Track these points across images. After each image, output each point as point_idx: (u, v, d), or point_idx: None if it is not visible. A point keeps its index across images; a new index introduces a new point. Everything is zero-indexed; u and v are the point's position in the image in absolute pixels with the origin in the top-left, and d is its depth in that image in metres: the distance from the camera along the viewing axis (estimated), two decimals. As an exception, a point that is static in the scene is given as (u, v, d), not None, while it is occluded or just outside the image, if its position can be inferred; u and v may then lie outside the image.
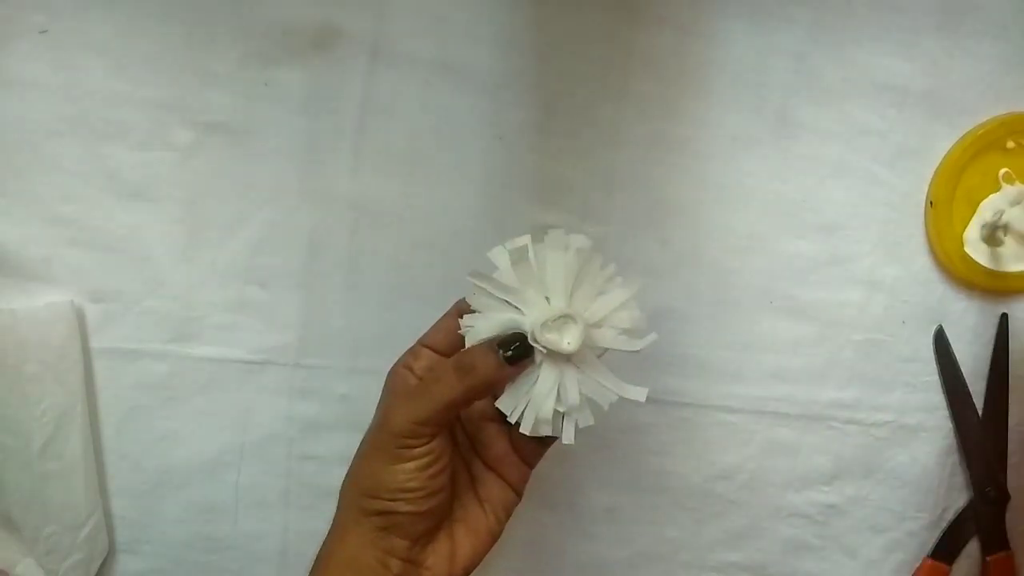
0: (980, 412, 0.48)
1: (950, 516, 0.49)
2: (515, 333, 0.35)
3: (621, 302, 0.36)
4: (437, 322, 0.40)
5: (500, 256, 0.37)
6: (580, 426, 0.37)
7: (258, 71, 0.45)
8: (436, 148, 0.46)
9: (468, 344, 0.37)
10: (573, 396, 0.36)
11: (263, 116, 0.45)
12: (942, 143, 0.47)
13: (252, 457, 0.47)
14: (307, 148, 0.45)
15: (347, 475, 0.38)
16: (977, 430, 0.48)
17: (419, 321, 0.46)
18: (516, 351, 0.35)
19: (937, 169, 0.47)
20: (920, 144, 0.47)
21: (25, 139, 0.44)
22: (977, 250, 0.47)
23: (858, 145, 0.47)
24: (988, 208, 0.47)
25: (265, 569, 0.48)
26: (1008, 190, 0.47)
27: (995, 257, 0.48)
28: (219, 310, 0.46)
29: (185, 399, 0.46)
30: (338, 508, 0.38)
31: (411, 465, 0.35)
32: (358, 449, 0.38)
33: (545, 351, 0.35)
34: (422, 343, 0.39)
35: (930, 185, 0.47)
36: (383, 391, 0.39)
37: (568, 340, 0.35)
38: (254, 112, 0.45)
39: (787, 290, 0.48)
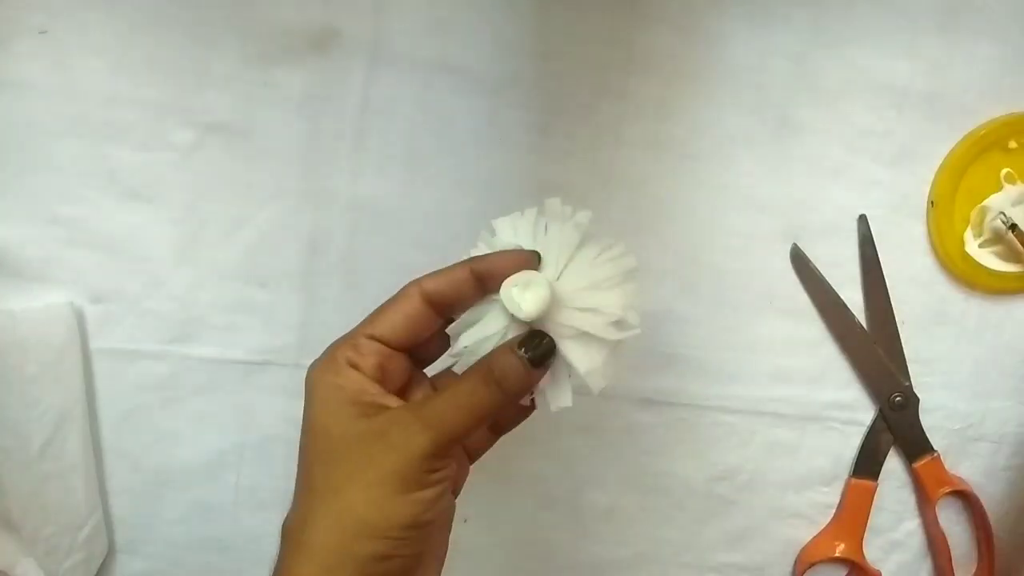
0: (864, 323, 0.48)
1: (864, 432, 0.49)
2: (536, 331, 0.32)
3: (612, 284, 0.33)
4: (387, 307, 0.33)
5: (502, 225, 0.35)
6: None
7: (258, 71, 0.45)
8: (436, 148, 0.46)
9: (459, 344, 0.33)
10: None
11: (263, 116, 0.45)
12: (942, 144, 0.47)
13: (252, 458, 0.47)
14: (307, 148, 0.45)
15: (307, 515, 0.30)
16: (863, 337, 0.48)
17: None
18: (539, 350, 0.31)
19: (939, 168, 0.47)
20: (920, 145, 0.47)
21: (25, 139, 0.44)
22: (978, 250, 0.47)
23: (858, 146, 0.47)
24: (989, 208, 0.47)
25: (265, 569, 0.48)
26: (1010, 190, 0.47)
27: (996, 257, 0.48)
28: (219, 310, 0.46)
29: (185, 399, 0.46)
30: (288, 557, 0.31)
31: (431, 493, 0.30)
32: (308, 482, 0.31)
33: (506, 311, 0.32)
34: (367, 334, 0.32)
35: (931, 184, 0.47)
36: (315, 397, 0.32)
37: (526, 304, 0.31)
38: (254, 112, 0.45)
39: (787, 290, 0.48)
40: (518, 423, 0.36)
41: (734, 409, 0.48)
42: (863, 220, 0.47)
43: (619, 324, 0.33)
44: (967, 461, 0.50)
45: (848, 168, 0.47)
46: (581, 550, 0.49)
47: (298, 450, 0.32)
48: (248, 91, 0.45)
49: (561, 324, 0.32)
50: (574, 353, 0.32)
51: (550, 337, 0.32)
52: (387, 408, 0.31)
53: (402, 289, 0.33)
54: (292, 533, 0.31)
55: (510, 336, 0.32)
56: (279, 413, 0.47)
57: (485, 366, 0.31)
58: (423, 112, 0.46)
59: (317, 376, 0.32)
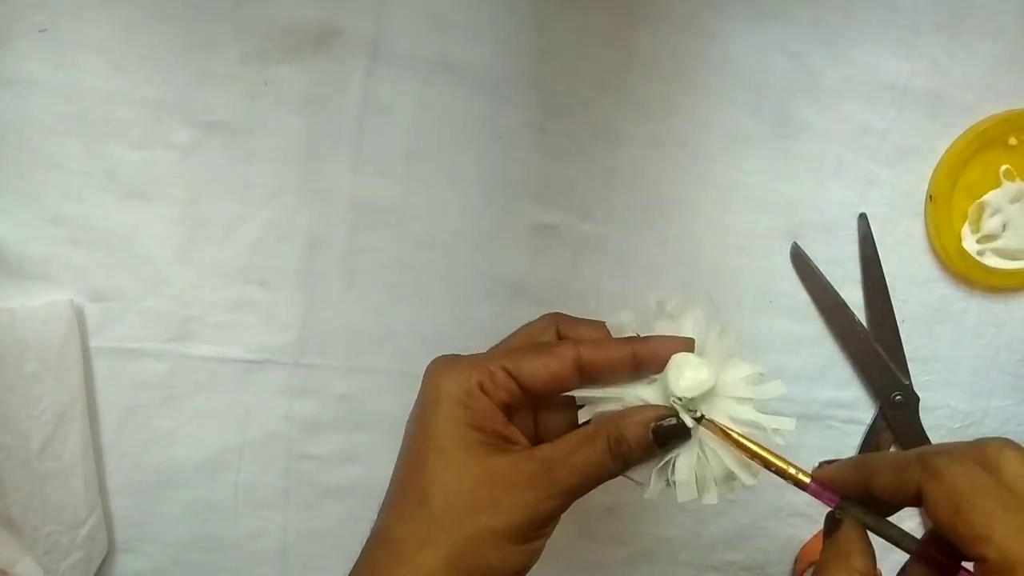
0: (865, 321, 0.48)
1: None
2: (669, 408, 0.32)
3: (750, 373, 0.34)
4: (535, 353, 0.33)
5: (623, 320, 0.34)
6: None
7: (258, 71, 0.45)
8: (436, 148, 0.46)
9: (588, 415, 0.33)
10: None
11: (263, 116, 0.45)
12: (942, 142, 0.47)
13: (251, 457, 0.47)
14: (307, 148, 0.45)
15: (427, 538, 0.30)
16: (863, 336, 0.48)
17: (419, 321, 0.47)
18: (669, 429, 0.31)
19: (938, 164, 0.47)
20: (920, 144, 0.47)
21: (25, 138, 0.44)
22: (975, 246, 0.47)
23: (858, 145, 0.47)
24: (988, 204, 0.47)
25: (264, 569, 0.48)
26: (1008, 186, 0.47)
27: (992, 253, 0.48)
28: (218, 309, 0.46)
29: (184, 398, 0.46)
30: (395, 570, 0.31)
31: (542, 543, 0.32)
32: (425, 502, 0.31)
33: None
34: (507, 368, 0.32)
35: (931, 179, 0.47)
36: (439, 409, 0.32)
37: (690, 383, 0.31)
38: (254, 112, 0.45)
39: (787, 289, 0.48)
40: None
41: (734, 408, 0.48)
42: (863, 219, 0.47)
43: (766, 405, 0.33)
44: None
45: (848, 167, 0.47)
46: (581, 549, 0.49)
47: (408, 448, 0.33)
48: (248, 90, 0.45)
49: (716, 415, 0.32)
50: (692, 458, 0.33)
51: (681, 421, 0.32)
52: (512, 445, 0.32)
53: (559, 346, 0.33)
54: (404, 547, 0.31)
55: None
56: (279, 412, 0.47)
57: (614, 438, 0.31)
58: (423, 111, 0.46)
59: (446, 385, 0.32)
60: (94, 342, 0.45)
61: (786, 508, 0.49)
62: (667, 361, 0.32)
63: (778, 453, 0.33)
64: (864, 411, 0.49)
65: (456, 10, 0.45)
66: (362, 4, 0.44)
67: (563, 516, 0.48)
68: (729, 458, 0.33)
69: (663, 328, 0.34)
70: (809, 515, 0.50)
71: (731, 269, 0.48)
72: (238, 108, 0.45)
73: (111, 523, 0.47)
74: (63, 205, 0.44)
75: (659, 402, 0.33)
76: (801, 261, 0.47)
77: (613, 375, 0.33)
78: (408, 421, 0.34)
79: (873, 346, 0.48)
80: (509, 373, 0.32)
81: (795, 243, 0.47)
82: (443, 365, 0.33)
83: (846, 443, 0.49)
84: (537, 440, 0.34)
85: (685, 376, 0.32)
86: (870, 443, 0.49)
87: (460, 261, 0.47)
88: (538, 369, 0.32)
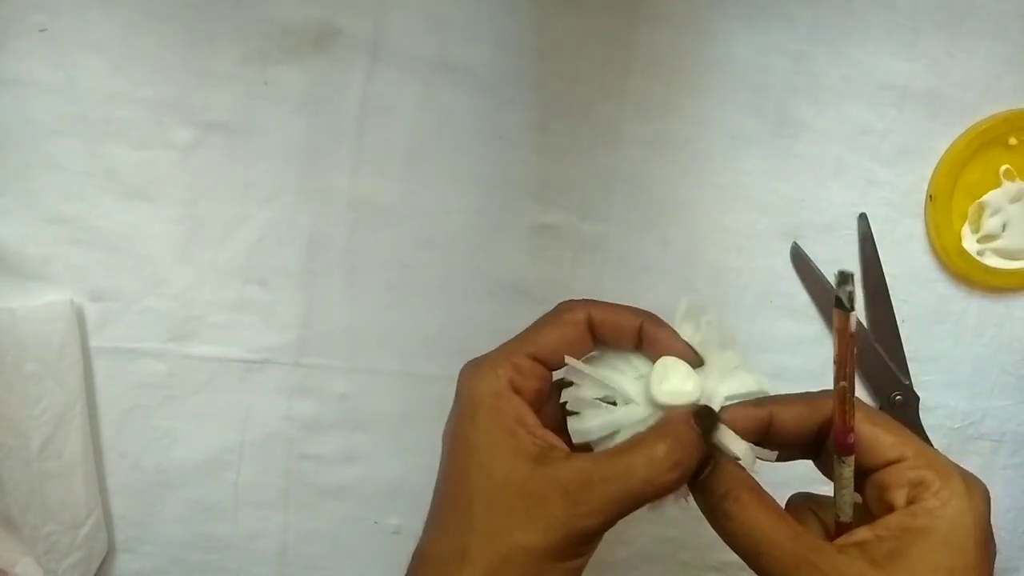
0: (865, 321, 0.48)
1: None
2: (706, 406, 0.31)
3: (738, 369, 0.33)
4: (549, 326, 0.32)
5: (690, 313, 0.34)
6: None
7: (258, 71, 0.45)
8: (436, 148, 0.46)
9: (581, 421, 0.32)
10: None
11: (263, 116, 0.45)
12: (942, 142, 0.47)
13: (251, 456, 0.47)
14: (307, 148, 0.45)
15: (466, 553, 0.30)
16: (863, 336, 0.48)
17: (419, 321, 0.47)
18: (710, 420, 0.30)
19: (938, 164, 0.47)
20: (920, 144, 0.47)
21: (25, 138, 0.44)
22: (975, 246, 0.47)
23: (858, 145, 0.47)
24: (988, 204, 0.47)
25: (264, 569, 0.48)
26: (1008, 186, 0.47)
27: (992, 253, 0.48)
28: (218, 309, 0.46)
29: (184, 398, 0.46)
30: None
31: (584, 561, 0.30)
32: (466, 515, 0.30)
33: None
34: (531, 354, 0.32)
35: (931, 179, 0.47)
36: (476, 418, 0.31)
37: (672, 389, 0.31)
38: (254, 112, 0.45)
39: (787, 290, 0.48)
40: None
41: (734, 408, 0.48)
42: (863, 218, 0.47)
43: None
44: (967, 460, 0.49)
45: (848, 166, 0.47)
46: (581, 549, 0.49)
47: (448, 461, 0.32)
48: (248, 90, 0.45)
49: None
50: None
51: (713, 411, 0.31)
52: (549, 448, 0.30)
53: (568, 309, 0.32)
54: (446, 563, 0.30)
55: (641, 421, 0.32)
56: (279, 412, 0.47)
57: (667, 445, 0.30)
58: (423, 111, 0.46)
59: (479, 393, 0.31)
60: (94, 342, 0.45)
61: (786, 508, 0.49)
62: (669, 351, 0.32)
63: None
64: (864, 411, 0.49)
65: (456, 10, 0.45)
66: (362, 4, 0.44)
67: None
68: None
69: (681, 329, 0.33)
70: (809, 515, 0.50)
71: (731, 269, 0.48)
72: (238, 108, 0.45)
73: (111, 523, 0.47)
74: (63, 205, 0.44)
75: (641, 400, 0.32)
76: (801, 261, 0.47)
77: (618, 343, 0.33)
78: (443, 433, 0.33)
79: (873, 346, 0.48)
80: (533, 358, 0.32)
81: (795, 243, 0.47)
82: (472, 370, 0.32)
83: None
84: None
85: (670, 381, 0.31)
86: (870, 443, 0.48)
87: (460, 261, 0.47)
88: (556, 340, 0.32)
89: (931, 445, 0.49)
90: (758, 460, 0.32)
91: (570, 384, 0.34)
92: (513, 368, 0.31)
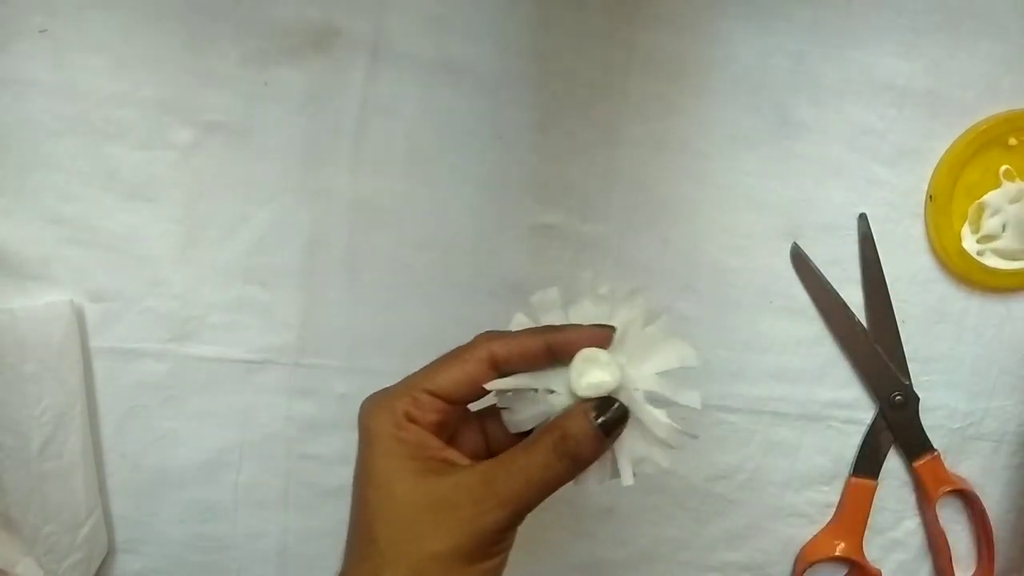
0: (865, 322, 0.48)
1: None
2: (609, 397, 0.31)
3: (670, 364, 0.33)
4: (450, 364, 0.33)
5: (549, 297, 0.34)
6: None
7: (258, 71, 0.45)
8: (436, 148, 0.46)
9: (513, 414, 0.33)
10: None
11: (263, 116, 0.45)
12: (942, 142, 0.47)
13: (252, 457, 0.47)
14: (307, 148, 0.45)
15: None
16: (863, 336, 0.48)
17: (419, 321, 0.47)
18: (613, 415, 0.31)
19: (938, 164, 0.47)
20: (920, 144, 0.47)
21: (25, 138, 0.44)
22: (975, 246, 0.47)
23: (858, 145, 0.47)
24: (988, 204, 0.47)
25: (264, 569, 0.48)
26: (1008, 187, 0.47)
27: (992, 254, 0.48)
28: (219, 310, 0.46)
29: (185, 398, 0.46)
30: None
31: (497, 561, 0.31)
32: (371, 540, 0.31)
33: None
34: (428, 390, 0.32)
35: (931, 179, 0.47)
36: (375, 449, 0.32)
37: (594, 384, 0.31)
38: (254, 112, 0.45)
39: (787, 290, 0.48)
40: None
41: (734, 408, 0.48)
42: (863, 219, 0.48)
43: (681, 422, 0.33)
44: (967, 460, 0.50)
45: (848, 167, 0.47)
46: (581, 550, 0.49)
47: (353, 495, 0.32)
48: (248, 90, 0.45)
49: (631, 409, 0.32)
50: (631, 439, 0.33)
51: (621, 404, 0.31)
52: (451, 465, 0.32)
53: (470, 348, 0.33)
54: None
55: (562, 398, 0.32)
56: (279, 412, 0.47)
57: (558, 435, 0.31)
58: (423, 111, 0.46)
59: (376, 425, 0.32)
60: (94, 342, 0.45)
61: (786, 508, 0.49)
62: (583, 347, 0.32)
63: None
64: (864, 411, 0.49)
65: (456, 10, 0.45)
66: (362, 4, 0.44)
67: (563, 516, 0.49)
68: (651, 435, 0.33)
69: (589, 308, 0.34)
70: (809, 515, 0.50)
71: (731, 269, 0.48)
72: (238, 108, 0.45)
73: (111, 523, 0.47)
74: (63, 205, 0.44)
75: (565, 391, 0.32)
76: (801, 261, 0.47)
77: (530, 367, 0.33)
78: (354, 470, 0.33)
79: (873, 346, 0.48)
80: (432, 393, 0.32)
81: (795, 243, 0.47)
82: (370, 405, 0.33)
83: (846, 443, 0.49)
84: (492, 456, 0.33)
85: (588, 375, 0.31)
86: (870, 443, 0.49)
87: (460, 261, 0.47)
88: (457, 377, 0.32)
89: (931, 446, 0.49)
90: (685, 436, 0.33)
91: (504, 401, 0.34)
92: (411, 402, 0.32)
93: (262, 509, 0.48)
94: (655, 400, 0.33)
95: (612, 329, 0.33)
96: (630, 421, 0.32)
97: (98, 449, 0.46)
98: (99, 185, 0.44)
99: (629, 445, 0.33)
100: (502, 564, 0.31)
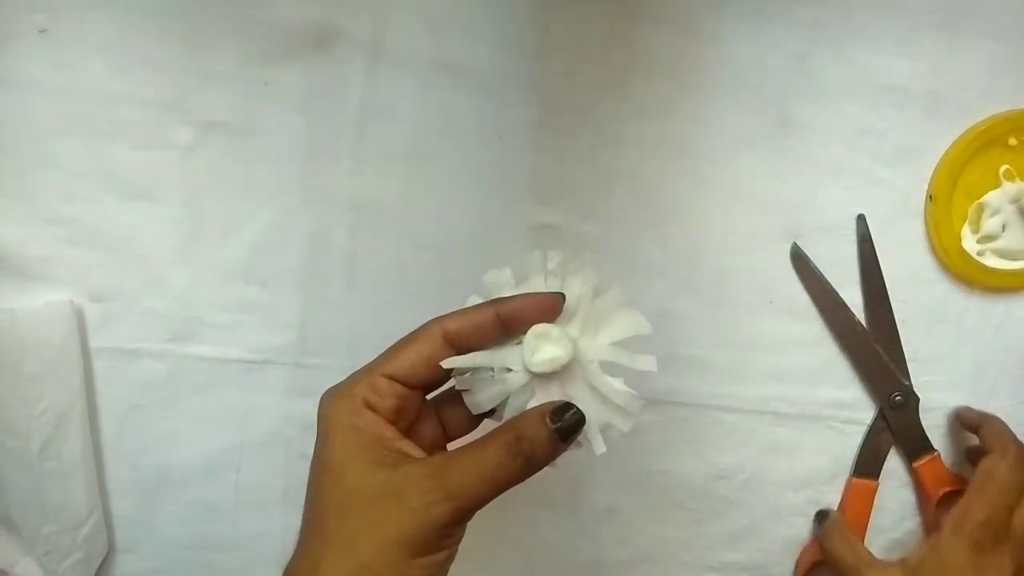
0: (864, 322, 0.48)
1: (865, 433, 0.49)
2: (566, 403, 0.32)
3: (624, 333, 0.34)
4: (406, 346, 0.33)
5: (502, 276, 0.35)
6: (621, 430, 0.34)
7: (258, 71, 0.45)
8: (436, 148, 0.46)
9: (473, 395, 0.33)
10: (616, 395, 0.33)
11: (263, 116, 0.45)
12: (942, 143, 0.47)
13: (252, 457, 0.47)
14: (307, 148, 0.45)
15: (318, 564, 0.30)
16: (863, 337, 0.48)
17: (419, 321, 0.46)
18: (568, 423, 0.31)
19: (938, 164, 0.47)
20: (920, 144, 0.47)
21: (25, 138, 0.44)
22: (975, 246, 0.47)
23: (858, 145, 0.47)
24: (987, 204, 0.47)
25: (265, 569, 0.48)
26: (1008, 187, 0.47)
27: (992, 254, 0.48)
28: (219, 310, 0.46)
29: (184, 399, 0.46)
30: None
31: (443, 555, 0.31)
32: (320, 528, 0.31)
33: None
34: (386, 373, 0.32)
35: (930, 180, 0.47)
36: (331, 437, 0.32)
37: (546, 359, 0.32)
38: (254, 112, 0.45)
39: (787, 290, 0.48)
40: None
41: (734, 408, 0.48)
42: (862, 219, 0.48)
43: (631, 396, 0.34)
44: (967, 460, 0.50)
45: (848, 167, 0.47)
46: (581, 550, 0.49)
47: (308, 484, 0.32)
48: (248, 90, 0.45)
49: (583, 380, 0.33)
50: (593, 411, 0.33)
51: (579, 410, 0.32)
52: (405, 457, 0.31)
53: (424, 328, 0.33)
54: None
55: (526, 385, 0.33)
56: (279, 412, 0.47)
57: (512, 436, 0.31)
58: (423, 111, 0.46)
59: (333, 414, 0.32)
60: (94, 342, 0.45)
61: (786, 508, 0.49)
62: (534, 320, 0.32)
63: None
64: (864, 411, 0.49)
65: (456, 10, 0.45)
66: (362, 4, 0.44)
67: (563, 516, 0.49)
68: (605, 408, 0.33)
69: (540, 284, 0.34)
70: (809, 515, 0.50)
71: (731, 269, 0.48)
72: (238, 108, 0.45)
73: (111, 523, 0.47)
74: (63, 205, 0.44)
75: (520, 367, 0.32)
76: (801, 261, 0.47)
77: (483, 342, 0.33)
78: (311, 460, 0.33)
79: (873, 346, 0.48)
80: (390, 377, 0.32)
81: (795, 243, 0.47)
82: (328, 396, 0.33)
83: (846, 443, 0.49)
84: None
85: (541, 351, 0.32)
86: (870, 444, 0.49)
87: (460, 261, 0.47)
88: (412, 358, 0.32)
89: (931, 445, 0.49)
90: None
91: (463, 383, 0.34)
92: (368, 387, 0.32)
93: (262, 509, 0.48)
94: (612, 369, 0.34)
95: (560, 296, 0.33)
96: (589, 391, 0.33)
97: (98, 449, 0.46)
98: (99, 185, 0.45)
99: (593, 416, 0.33)
100: (449, 559, 0.31)
